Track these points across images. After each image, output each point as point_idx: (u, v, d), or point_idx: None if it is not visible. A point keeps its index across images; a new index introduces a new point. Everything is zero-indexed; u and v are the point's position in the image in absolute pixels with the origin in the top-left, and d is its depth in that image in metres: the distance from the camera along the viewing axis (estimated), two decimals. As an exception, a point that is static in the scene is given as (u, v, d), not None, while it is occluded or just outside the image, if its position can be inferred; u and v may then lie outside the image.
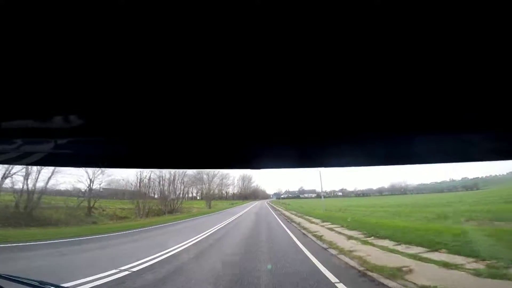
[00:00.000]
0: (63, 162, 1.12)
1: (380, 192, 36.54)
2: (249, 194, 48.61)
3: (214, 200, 36.39)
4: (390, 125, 0.66)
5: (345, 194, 39.93)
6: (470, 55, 0.48)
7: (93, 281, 4.37)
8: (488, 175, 25.15)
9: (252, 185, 48.72)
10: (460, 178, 26.71)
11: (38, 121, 0.73)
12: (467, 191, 25.23)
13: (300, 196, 42.06)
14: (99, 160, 1.08)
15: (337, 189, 41.03)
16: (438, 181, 28.69)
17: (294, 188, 46.24)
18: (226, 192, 46.89)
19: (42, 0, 0.41)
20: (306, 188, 43.01)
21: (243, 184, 47.83)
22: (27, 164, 1.04)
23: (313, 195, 41.62)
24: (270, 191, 52.15)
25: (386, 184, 36.90)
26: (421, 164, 0.84)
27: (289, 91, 0.59)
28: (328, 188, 43.91)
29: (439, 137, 0.70)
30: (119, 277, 4.68)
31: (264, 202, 39.48)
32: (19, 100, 0.65)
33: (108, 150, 0.90)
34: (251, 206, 32.08)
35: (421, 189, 31.64)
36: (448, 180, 27.35)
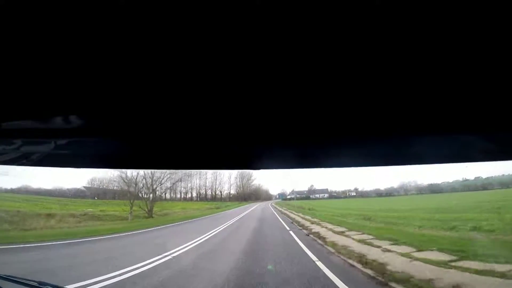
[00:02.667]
0: (62, 163, 1.06)
1: (406, 191, 30.63)
2: (249, 195, 42.19)
3: (192, 201, 29.87)
4: (390, 126, 0.66)
5: (360, 194, 33.89)
6: (472, 56, 0.47)
7: None
8: (501, 174, 21.49)
9: (253, 183, 42.30)
10: (473, 178, 23.49)
11: (38, 122, 0.72)
12: (502, 188, 20.04)
13: (310, 196, 35.69)
14: (97, 161, 1.06)
15: (344, 189, 34.96)
16: (450, 180, 25.04)
17: (302, 187, 39.98)
18: (220, 192, 40.50)
19: (42, 1, 0.40)
20: (317, 187, 36.64)
21: (241, 182, 41.38)
22: (27, 165, 1.00)
23: (326, 195, 35.33)
24: (274, 191, 45.71)
25: (395, 184, 32.07)
26: (422, 164, 0.83)
27: (290, 92, 0.57)
28: (339, 187, 37.71)
29: (438, 138, 0.69)
30: None
31: (268, 205, 32.59)
32: (20, 101, 0.65)
33: (106, 151, 0.87)
34: (245, 213, 19.41)
35: (455, 188, 27.44)
36: (461, 179, 24.20)
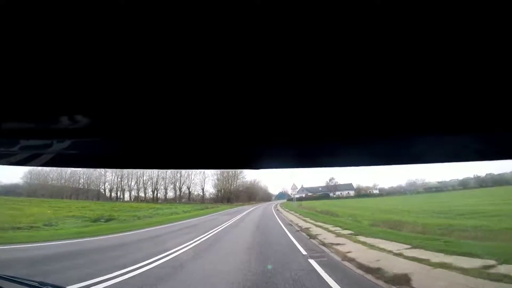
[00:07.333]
0: (60, 163, 1.06)
1: (464, 185, 22.29)
2: (237, 194, 28.43)
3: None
4: (391, 125, 0.66)
5: (385, 192, 24.03)
6: (472, 56, 0.48)
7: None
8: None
9: (242, 175, 28.55)
10: (484, 174, 23.83)
11: (35, 122, 0.73)
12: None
13: (330, 194, 23.90)
14: (97, 160, 1.05)
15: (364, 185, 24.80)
16: (460, 178, 25.32)
17: (313, 182, 28.12)
18: (188, 189, 26.15)
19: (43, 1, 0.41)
20: (339, 181, 24.90)
21: (224, 176, 27.21)
22: (24, 165, 0.99)
23: (351, 193, 24.09)
24: (274, 189, 33.04)
25: (403, 182, 28.85)
26: (422, 163, 0.84)
27: (290, 92, 0.58)
28: (360, 183, 27.04)
29: (439, 137, 0.70)
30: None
31: (272, 212, 19.08)
32: (17, 101, 0.65)
33: (107, 151, 0.88)
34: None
35: (490, 181, 23.32)
36: (472, 176, 24.65)
